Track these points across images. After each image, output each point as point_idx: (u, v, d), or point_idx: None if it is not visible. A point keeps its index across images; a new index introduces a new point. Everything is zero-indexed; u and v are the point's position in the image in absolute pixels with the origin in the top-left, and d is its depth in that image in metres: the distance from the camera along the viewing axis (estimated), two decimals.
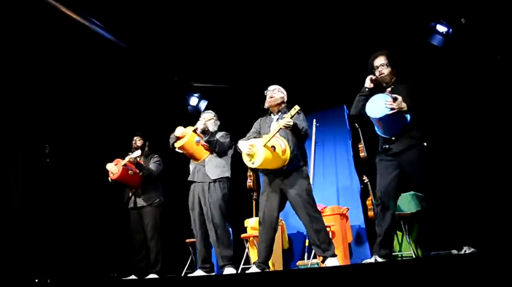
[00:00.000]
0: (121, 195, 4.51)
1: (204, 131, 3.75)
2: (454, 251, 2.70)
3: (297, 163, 3.19)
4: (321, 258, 3.15)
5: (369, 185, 4.57)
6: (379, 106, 2.80)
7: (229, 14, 4.51)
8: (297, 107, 3.01)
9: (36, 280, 4.53)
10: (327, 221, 3.78)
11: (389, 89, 2.96)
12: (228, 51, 5.10)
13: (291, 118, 2.98)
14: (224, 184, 3.78)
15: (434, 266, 1.93)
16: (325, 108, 5.55)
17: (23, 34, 4.46)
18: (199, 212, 3.76)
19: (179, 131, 3.76)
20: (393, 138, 2.89)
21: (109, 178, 4.20)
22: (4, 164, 4.94)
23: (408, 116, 2.84)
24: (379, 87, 3.02)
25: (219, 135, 3.87)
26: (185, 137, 3.72)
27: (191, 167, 3.93)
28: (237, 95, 5.67)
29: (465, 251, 2.60)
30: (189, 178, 3.89)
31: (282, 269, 4.54)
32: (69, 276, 4.96)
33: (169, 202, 4.68)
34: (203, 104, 5.78)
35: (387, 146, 2.90)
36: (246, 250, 4.68)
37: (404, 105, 2.75)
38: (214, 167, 3.77)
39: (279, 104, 3.40)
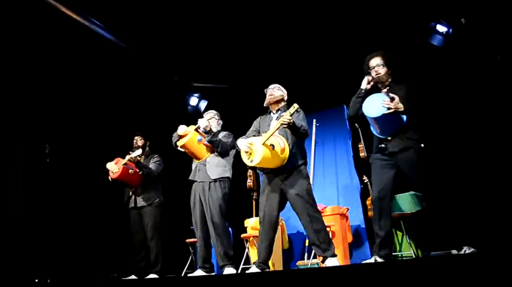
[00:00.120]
0: (121, 195, 4.51)
1: (207, 131, 3.75)
2: (454, 251, 2.70)
3: (296, 161, 3.18)
4: (321, 258, 3.14)
5: (369, 185, 4.57)
6: (376, 105, 2.80)
7: (229, 14, 4.51)
8: (295, 105, 3.00)
9: (36, 280, 4.53)
10: (327, 221, 3.77)
11: (385, 89, 2.96)
12: (228, 51, 5.11)
13: (290, 116, 2.98)
14: (225, 183, 3.77)
15: (434, 266, 1.93)
16: (325, 108, 5.55)
17: (23, 34, 4.46)
18: (200, 212, 3.75)
19: (181, 129, 3.76)
20: (389, 138, 2.89)
21: (109, 177, 4.20)
22: (4, 164, 4.94)
23: (404, 116, 2.84)
24: (375, 88, 3.02)
25: (221, 135, 3.86)
26: (187, 136, 3.72)
27: (193, 166, 3.94)
28: (237, 95, 5.67)
29: (465, 251, 2.60)
30: (190, 177, 3.88)
31: (282, 269, 4.54)
32: (69, 276, 4.96)
33: (169, 201, 4.68)
34: (203, 104, 5.79)
35: (383, 145, 2.90)
36: (246, 250, 4.68)
37: (401, 105, 2.76)
38: (215, 167, 3.77)
39: (279, 102, 3.41)
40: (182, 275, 4.77)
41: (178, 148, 3.80)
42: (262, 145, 3.00)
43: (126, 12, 4.45)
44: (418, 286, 1.93)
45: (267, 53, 5.05)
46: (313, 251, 3.80)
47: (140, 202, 4.33)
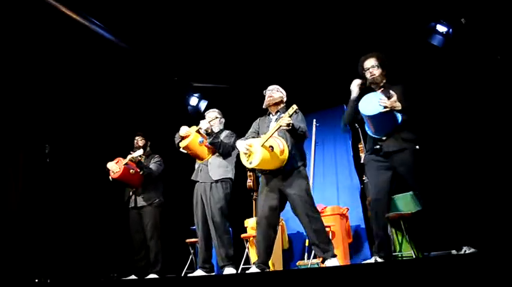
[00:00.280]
0: (121, 195, 4.51)
1: (208, 132, 3.74)
2: (454, 251, 2.70)
3: (295, 163, 3.18)
4: (321, 258, 3.15)
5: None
6: (373, 104, 2.80)
7: (229, 14, 4.51)
8: (294, 107, 3.00)
9: (36, 280, 4.53)
10: (327, 221, 3.78)
11: (379, 90, 2.95)
12: (227, 51, 5.11)
13: (289, 117, 2.97)
14: (226, 184, 3.77)
15: (434, 266, 1.93)
16: (325, 108, 5.54)
17: (23, 34, 4.46)
18: (202, 212, 3.75)
19: (183, 130, 3.76)
20: (384, 138, 2.88)
21: (109, 177, 4.21)
22: (4, 164, 4.94)
23: (399, 116, 2.83)
24: (369, 90, 3.00)
25: (224, 134, 3.86)
26: (189, 137, 3.73)
27: (196, 166, 3.94)
28: (237, 95, 5.67)
29: (465, 251, 2.60)
30: (192, 177, 3.89)
31: (282, 269, 4.53)
32: (69, 276, 4.96)
33: (169, 202, 4.68)
34: (203, 104, 5.79)
35: (378, 146, 2.89)
36: (246, 250, 4.67)
37: (398, 104, 2.76)
38: (217, 167, 3.76)
39: (278, 104, 3.41)
40: (182, 275, 4.77)
41: (181, 149, 3.80)
42: (261, 147, 3.00)
43: (126, 12, 4.45)
44: (418, 286, 1.93)
45: (267, 53, 5.05)
46: (313, 251, 3.80)
47: (140, 202, 4.34)
